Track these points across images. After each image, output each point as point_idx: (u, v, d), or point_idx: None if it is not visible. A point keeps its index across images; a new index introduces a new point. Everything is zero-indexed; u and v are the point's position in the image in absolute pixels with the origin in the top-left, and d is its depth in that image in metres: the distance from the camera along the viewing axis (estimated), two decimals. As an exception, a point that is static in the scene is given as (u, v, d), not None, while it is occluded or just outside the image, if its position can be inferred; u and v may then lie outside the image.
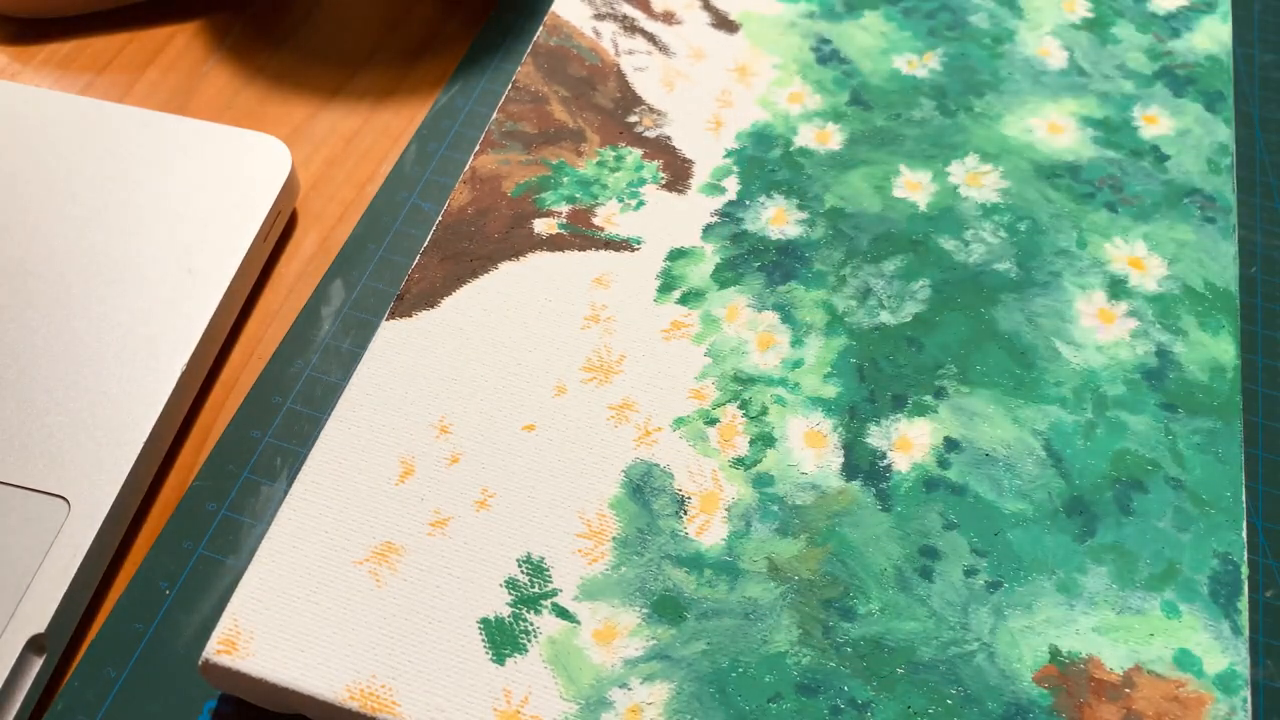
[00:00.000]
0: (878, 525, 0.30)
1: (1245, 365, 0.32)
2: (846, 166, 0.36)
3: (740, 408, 0.31)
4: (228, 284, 0.35)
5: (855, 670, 0.27)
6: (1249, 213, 0.38)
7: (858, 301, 0.33)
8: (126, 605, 0.30)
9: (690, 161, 0.37)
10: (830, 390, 0.32)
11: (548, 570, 0.29)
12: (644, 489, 0.30)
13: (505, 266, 0.34)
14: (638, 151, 0.37)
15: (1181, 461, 0.30)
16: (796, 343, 0.33)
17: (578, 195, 0.36)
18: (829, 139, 0.37)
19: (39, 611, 0.29)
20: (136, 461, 0.31)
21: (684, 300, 0.34)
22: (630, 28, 0.40)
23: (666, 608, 0.28)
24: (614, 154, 0.37)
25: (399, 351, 0.32)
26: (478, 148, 0.37)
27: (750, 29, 0.40)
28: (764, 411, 0.31)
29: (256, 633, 0.28)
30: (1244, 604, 0.28)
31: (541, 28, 0.40)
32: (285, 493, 0.31)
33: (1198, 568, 0.29)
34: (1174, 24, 0.40)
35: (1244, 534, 0.29)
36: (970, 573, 0.29)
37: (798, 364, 0.32)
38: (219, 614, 0.29)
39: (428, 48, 0.43)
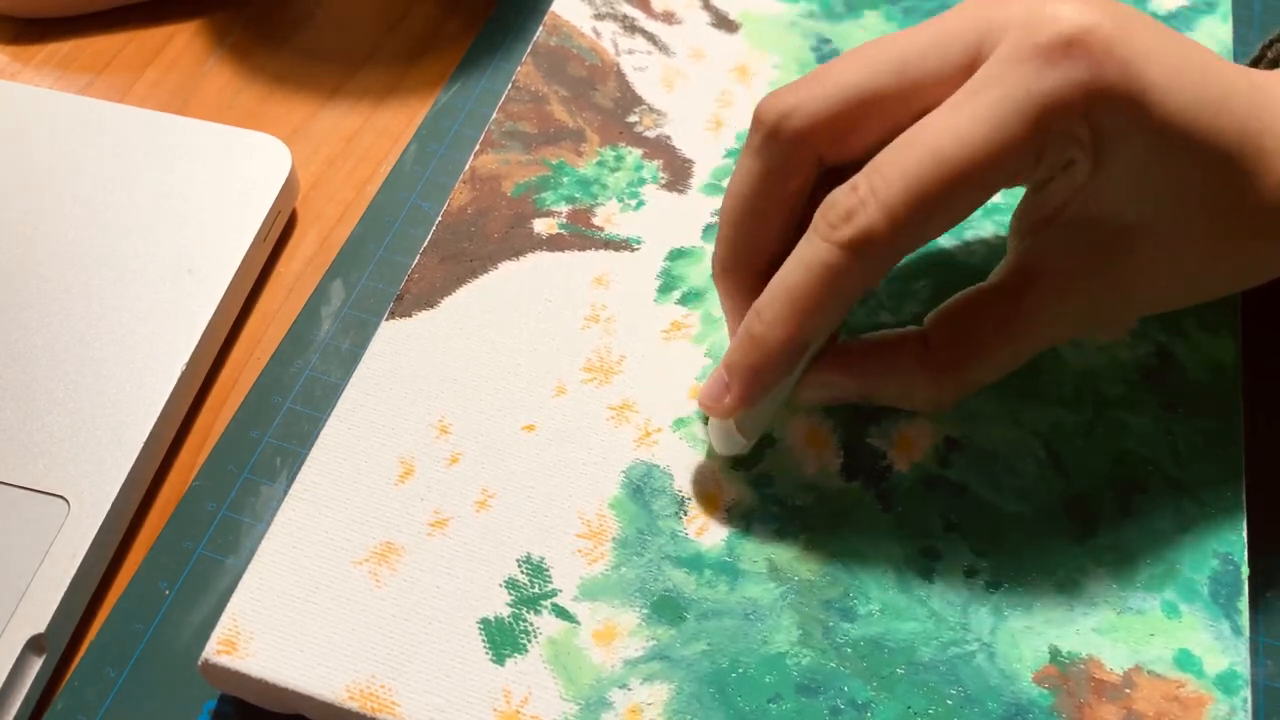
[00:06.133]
0: (878, 526, 0.30)
1: (1245, 365, 0.32)
2: (846, 166, 0.36)
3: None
4: (228, 284, 0.35)
5: (855, 670, 0.27)
6: (1249, 213, 0.38)
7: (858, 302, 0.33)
8: (126, 605, 0.30)
9: (690, 161, 0.37)
10: (830, 390, 0.32)
11: (548, 571, 0.29)
12: (644, 490, 0.30)
13: (505, 266, 0.34)
14: (638, 151, 0.37)
15: (1181, 461, 0.30)
16: (796, 343, 0.33)
17: (578, 195, 0.36)
18: (829, 139, 0.37)
19: (39, 611, 0.29)
20: (136, 461, 0.31)
21: (684, 300, 0.34)
22: (630, 27, 0.40)
23: (666, 608, 0.28)
24: (614, 154, 0.37)
25: (399, 351, 0.32)
26: (478, 148, 0.37)
27: (750, 29, 0.40)
28: (764, 412, 0.31)
29: (256, 633, 0.28)
30: (1244, 604, 0.28)
31: (541, 28, 0.40)
32: (285, 493, 0.31)
33: (1198, 568, 0.29)
34: (1174, 24, 0.40)
35: (1244, 534, 0.29)
36: (970, 573, 0.29)
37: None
38: (219, 614, 0.29)
39: (428, 48, 0.43)
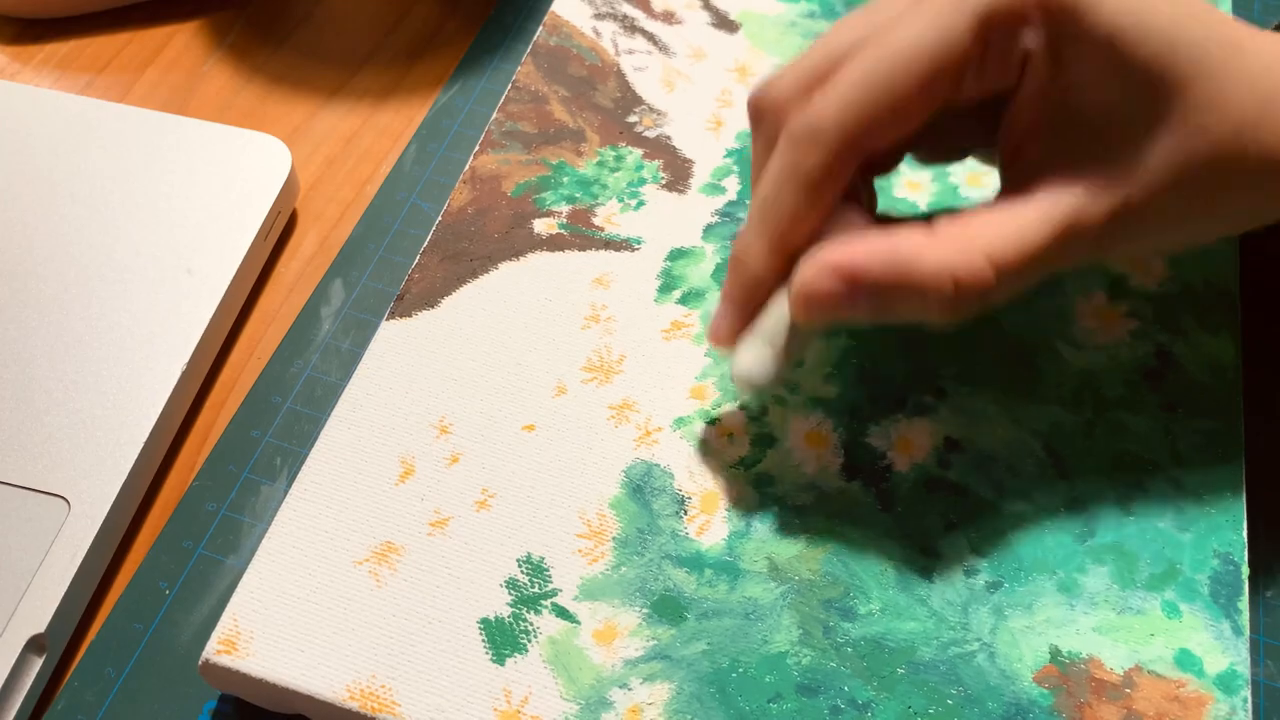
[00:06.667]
0: (878, 525, 0.30)
1: (1245, 365, 0.32)
2: (847, 166, 0.36)
3: (741, 408, 0.31)
4: (227, 284, 0.35)
5: (856, 670, 0.27)
6: (1249, 213, 0.38)
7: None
8: (126, 605, 0.30)
9: (690, 161, 0.37)
10: (831, 390, 0.32)
11: (548, 570, 0.29)
12: (644, 489, 0.30)
13: (505, 266, 0.34)
14: (638, 151, 0.37)
15: (1181, 461, 0.30)
16: (797, 343, 0.33)
17: (578, 195, 0.36)
18: (829, 139, 0.37)
19: (39, 611, 0.29)
20: (136, 461, 0.31)
21: (684, 300, 0.34)
22: (630, 27, 0.40)
23: (667, 608, 0.28)
24: (614, 154, 0.37)
25: (399, 351, 0.32)
26: (478, 148, 0.37)
27: (750, 29, 0.40)
28: (764, 412, 0.31)
29: (256, 633, 0.28)
30: (1244, 604, 0.28)
31: (541, 27, 0.40)
32: (285, 493, 0.31)
33: (1198, 568, 0.29)
34: (1174, 24, 0.40)
35: (1244, 534, 0.29)
36: (970, 573, 0.29)
37: (798, 364, 0.32)
38: (219, 614, 0.29)
39: (428, 48, 0.43)
